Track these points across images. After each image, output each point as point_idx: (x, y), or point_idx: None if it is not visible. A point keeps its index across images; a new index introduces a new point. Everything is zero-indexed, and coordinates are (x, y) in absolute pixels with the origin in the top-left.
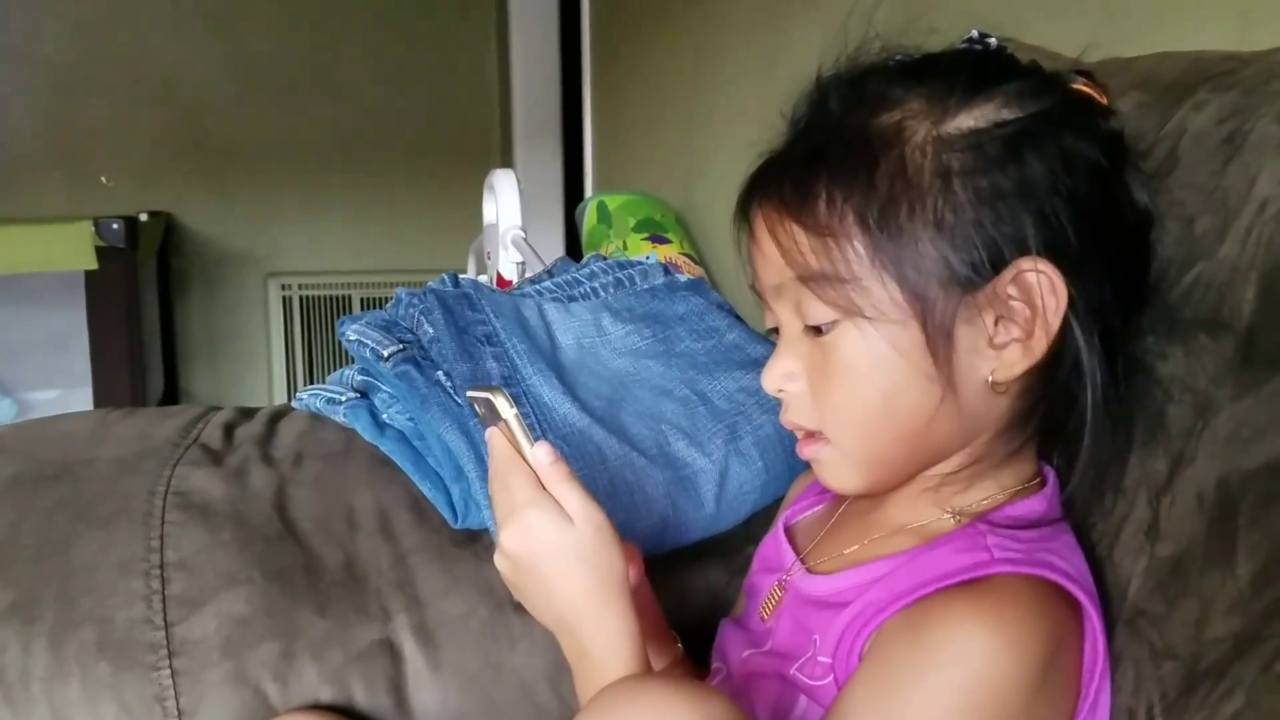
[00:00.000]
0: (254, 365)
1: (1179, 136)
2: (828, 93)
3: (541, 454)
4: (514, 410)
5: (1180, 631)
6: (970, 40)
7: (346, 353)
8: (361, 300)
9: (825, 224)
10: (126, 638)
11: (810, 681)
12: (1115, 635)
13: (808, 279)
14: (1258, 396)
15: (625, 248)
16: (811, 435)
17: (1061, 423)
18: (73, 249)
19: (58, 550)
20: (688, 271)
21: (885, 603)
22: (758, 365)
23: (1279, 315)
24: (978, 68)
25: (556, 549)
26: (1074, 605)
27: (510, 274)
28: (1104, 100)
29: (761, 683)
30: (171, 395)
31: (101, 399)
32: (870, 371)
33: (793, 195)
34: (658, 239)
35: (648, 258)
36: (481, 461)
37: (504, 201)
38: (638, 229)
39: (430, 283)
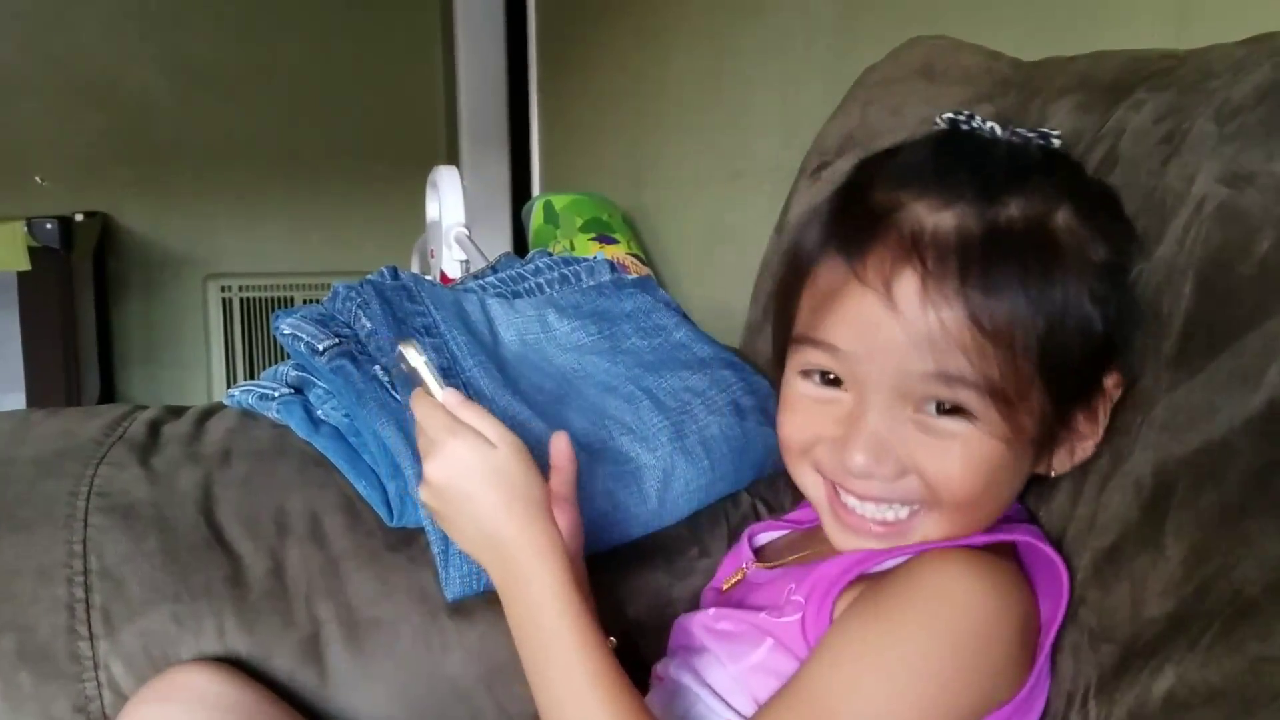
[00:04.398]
0: (193, 369)
1: (1118, 136)
2: (992, 151)
3: (450, 396)
4: (423, 358)
5: (1117, 615)
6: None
7: (286, 354)
8: (304, 302)
9: (1010, 334)
10: (49, 647)
11: (778, 619)
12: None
13: (981, 388)
14: (1191, 385)
15: (572, 247)
16: (895, 524)
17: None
18: (5, 249)
19: None
20: (635, 272)
21: (867, 558)
22: (704, 365)
23: (1214, 307)
24: (1107, 203)
25: (478, 469)
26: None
27: (454, 272)
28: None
29: (726, 633)
30: (108, 400)
31: (35, 404)
32: (987, 462)
33: (980, 284)
34: (605, 239)
35: (595, 258)
36: (417, 458)
37: (447, 198)
38: (585, 229)
39: (369, 275)
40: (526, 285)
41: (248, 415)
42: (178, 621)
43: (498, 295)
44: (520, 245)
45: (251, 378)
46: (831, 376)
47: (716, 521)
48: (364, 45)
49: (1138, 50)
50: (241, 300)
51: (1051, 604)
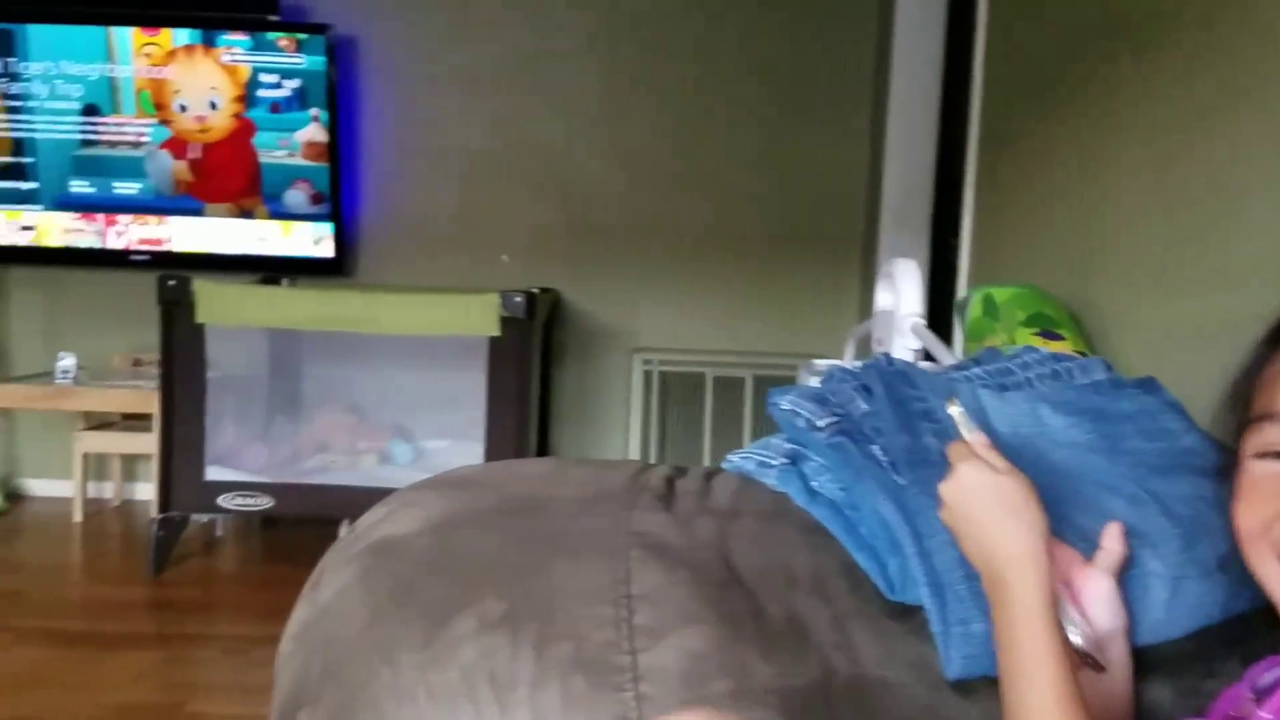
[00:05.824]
0: (613, 431)
1: None
2: None
3: (976, 438)
4: (957, 408)
5: None
6: None
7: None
8: (714, 379)
9: None
10: (599, 657)
11: None
12: None
13: None
14: None
15: (1013, 341)
16: None
17: None
18: (482, 317)
19: (536, 572)
20: None
21: None
22: (1218, 473)
23: None
24: None
25: (981, 489)
26: None
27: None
28: None
29: None
30: (544, 452)
31: (491, 452)
32: None
33: None
34: (1049, 334)
35: (1088, 356)
36: (918, 537)
37: (904, 289)
38: (1028, 323)
39: (868, 360)
40: (1015, 379)
41: (746, 480)
42: (707, 640)
43: (985, 387)
44: (944, 336)
45: (663, 442)
46: None
47: (1229, 643)
48: (792, 141)
49: None
50: (660, 373)
51: None
